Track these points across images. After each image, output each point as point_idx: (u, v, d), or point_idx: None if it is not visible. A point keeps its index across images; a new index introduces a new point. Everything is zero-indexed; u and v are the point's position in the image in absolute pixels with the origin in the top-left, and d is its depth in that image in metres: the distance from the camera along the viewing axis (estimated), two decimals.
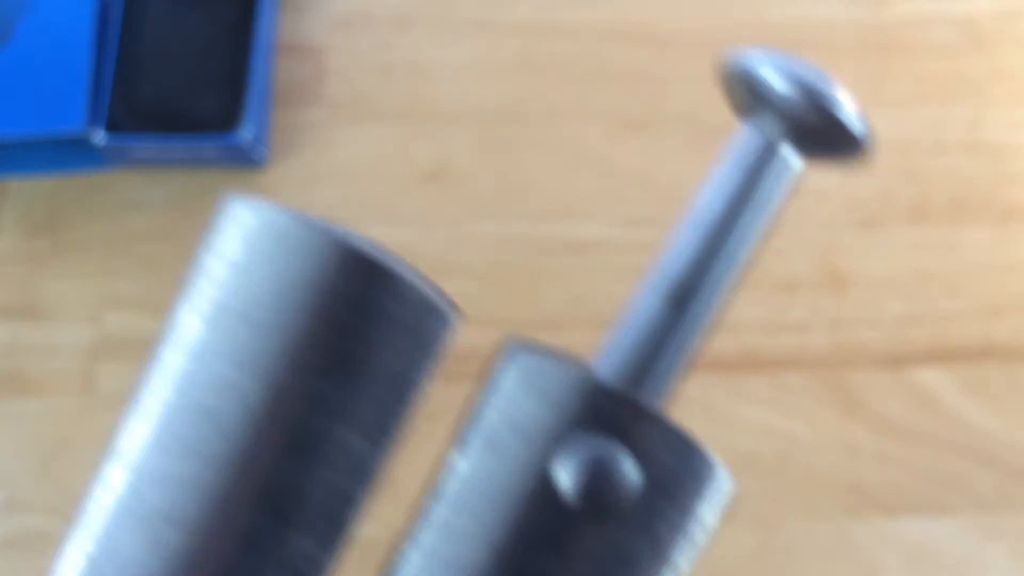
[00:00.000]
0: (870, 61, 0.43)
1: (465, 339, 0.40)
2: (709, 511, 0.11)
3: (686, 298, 0.11)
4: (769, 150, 0.11)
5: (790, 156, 0.11)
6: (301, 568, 0.10)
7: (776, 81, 0.11)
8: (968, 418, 0.38)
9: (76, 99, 0.40)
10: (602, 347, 0.12)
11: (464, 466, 0.11)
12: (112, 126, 0.40)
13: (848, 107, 0.11)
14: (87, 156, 0.42)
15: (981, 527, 0.37)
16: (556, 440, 0.10)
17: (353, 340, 0.11)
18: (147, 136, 0.40)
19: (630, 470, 0.10)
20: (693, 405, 0.39)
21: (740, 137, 0.11)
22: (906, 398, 0.39)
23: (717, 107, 0.44)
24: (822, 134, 0.11)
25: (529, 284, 0.40)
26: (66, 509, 0.38)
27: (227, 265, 0.11)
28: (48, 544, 0.37)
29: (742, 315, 0.40)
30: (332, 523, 0.10)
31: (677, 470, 0.10)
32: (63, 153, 0.42)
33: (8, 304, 0.40)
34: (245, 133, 0.40)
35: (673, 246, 0.11)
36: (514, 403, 0.11)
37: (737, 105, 0.12)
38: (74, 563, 0.12)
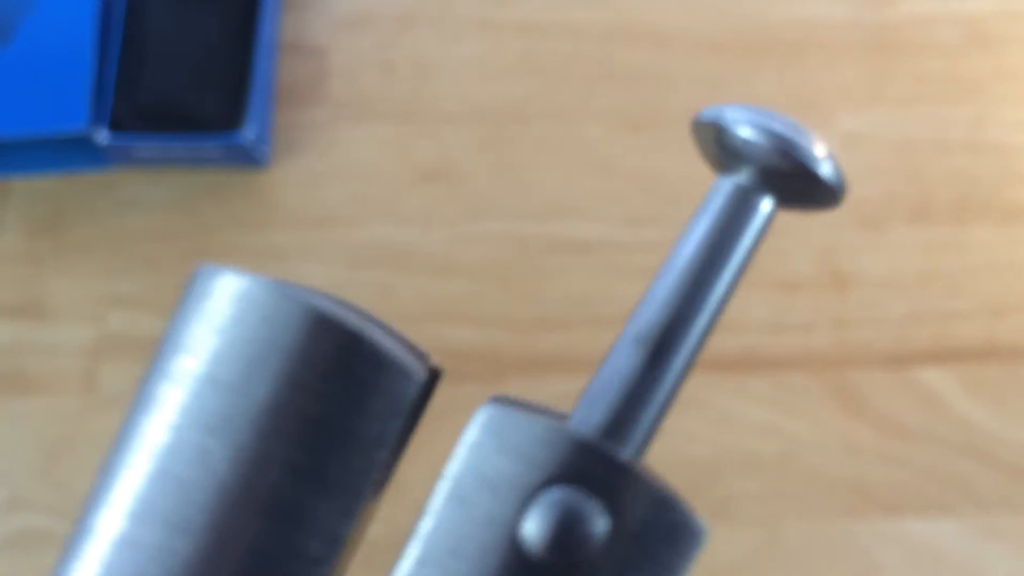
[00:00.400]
0: (872, 61, 0.43)
1: (466, 339, 0.40)
2: (680, 562, 0.11)
3: (661, 348, 0.11)
4: (744, 201, 0.12)
5: (764, 206, 0.12)
6: None
7: (750, 135, 0.11)
8: (971, 418, 0.38)
9: (78, 98, 0.40)
10: (579, 399, 0.12)
11: (430, 521, 0.11)
12: (115, 125, 0.40)
13: (821, 158, 0.11)
14: (89, 155, 0.42)
15: (983, 527, 0.37)
16: (525, 494, 0.11)
17: (321, 403, 0.11)
18: (150, 136, 0.40)
19: (599, 521, 0.11)
20: (695, 405, 0.39)
21: (715, 190, 0.12)
22: (908, 398, 0.39)
23: None
24: (796, 184, 0.11)
25: (530, 283, 0.40)
26: (68, 508, 0.38)
27: (200, 331, 0.11)
28: (50, 543, 0.37)
29: (744, 315, 0.40)
30: None
31: (648, 520, 0.11)
32: (65, 152, 0.42)
33: (10, 303, 0.40)
34: (248, 133, 0.40)
35: (649, 297, 0.12)
36: (483, 457, 0.11)
37: (712, 160, 0.12)
38: None
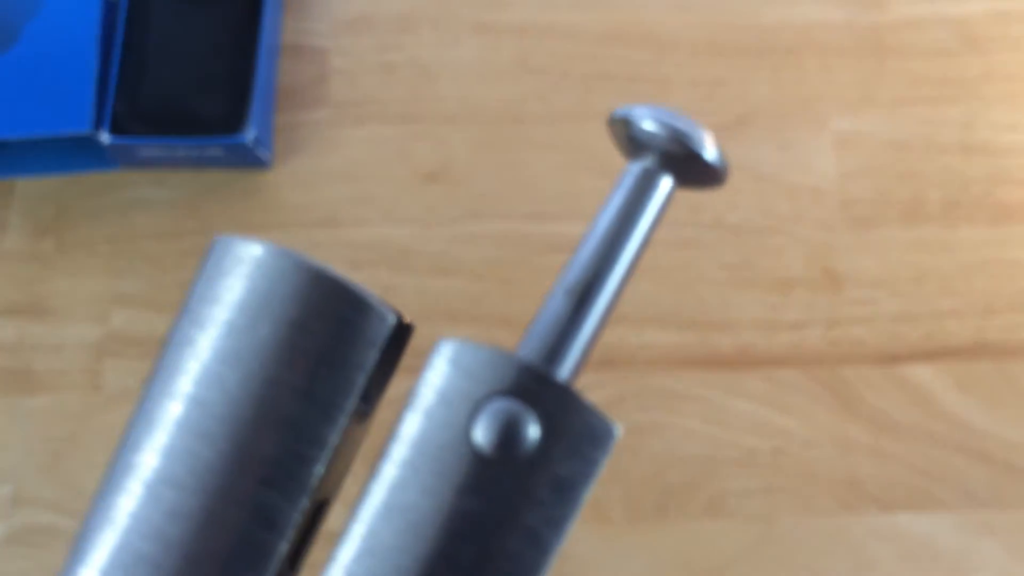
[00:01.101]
0: (865, 62, 0.44)
1: (465, 336, 0.40)
2: (598, 455, 0.14)
3: (585, 295, 0.15)
4: (648, 180, 0.15)
5: (664, 183, 0.15)
6: (271, 516, 0.14)
7: (652, 127, 0.14)
8: (962, 414, 0.39)
9: (82, 100, 0.40)
10: (521, 338, 0.15)
11: (402, 430, 0.14)
12: (118, 127, 0.40)
13: (708, 144, 0.15)
14: (93, 157, 0.42)
15: (974, 522, 0.38)
16: (474, 404, 0.14)
17: (312, 337, 0.14)
18: (152, 137, 0.41)
19: (533, 425, 0.14)
20: (691, 403, 0.39)
21: (626, 172, 0.15)
22: (900, 395, 0.39)
23: (714, 108, 0.44)
24: (689, 166, 0.15)
25: (528, 283, 0.41)
26: (72, 505, 0.38)
27: (217, 285, 0.14)
28: (54, 539, 0.38)
29: (738, 314, 0.40)
30: (296, 482, 0.14)
31: (572, 424, 0.14)
32: (69, 154, 0.42)
33: (15, 302, 0.41)
34: (249, 134, 0.40)
35: (576, 255, 0.15)
36: (440, 377, 0.14)
37: (624, 148, 0.15)
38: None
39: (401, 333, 0.15)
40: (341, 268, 0.41)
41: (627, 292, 0.41)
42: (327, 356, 0.14)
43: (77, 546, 0.16)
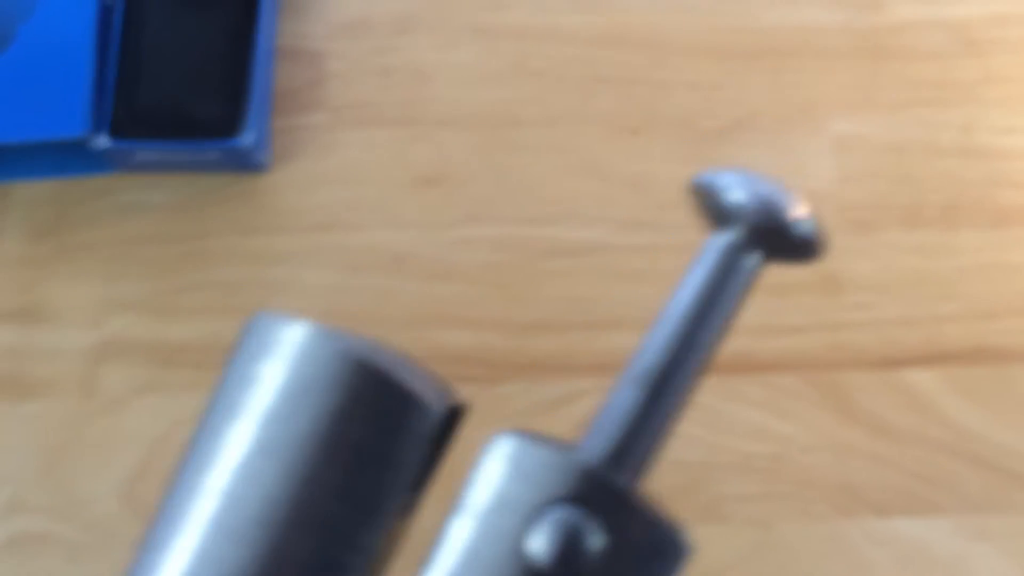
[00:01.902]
0: (863, 66, 0.44)
1: (463, 342, 0.40)
2: (667, 572, 0.12)
3: (657, 387, 0.13)
4: (734, 257, 0.13)
5: (752, 261, 0.13)
6: None
7: (740, 197, 0.12)
8: (960, 419, 0.39)
9: (78, 104, 0.40)
10: (584, 432, 0.13)
11: (447, 535, 0.13)
12: (114, 131, 0.40)
13: (803, 220, 0.13)
14: (90, 160, 0.42)
15: (972, 527, 0.38)
16: (531, 512, 0.12)
17: (355, 432, 0.13)
18: (149, 141, 0.40)
19: (597, 538, 0.12)
20: (689, 407, 0.39)
21: (709, 246, 0.13)
22: (898, 400, 0.39)
23: (712, 112, 0.44)
24: (781, 242, 0.13)
25: (526, 287, 0.41)
26: (67, 511, 0.38)
27: (254, 369, 0.13)
28: (48, 546, 0.38)
29: (737, 318, 0.40)
30: None
31: (640, 538, 0.12)
32: (66, 157, 0.42)
33: (11, 307, 0.41)
34: (246, 137, 0.40)
35: (648, 340, 0.13)
36: (495, 479, 0.12)
37: (706, 218, 0.14)
38: None
39: (452, 419, 0.14)
40: (338, 272, 0.41)
41: (625, 296, 0.41)
42: (370, 452, 0.13)
43: None
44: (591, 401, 0.39)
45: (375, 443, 0.13)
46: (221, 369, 0.39)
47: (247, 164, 0.42)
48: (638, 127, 0.43)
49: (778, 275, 0.41)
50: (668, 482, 0.39)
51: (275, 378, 0.13)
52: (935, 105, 0.43)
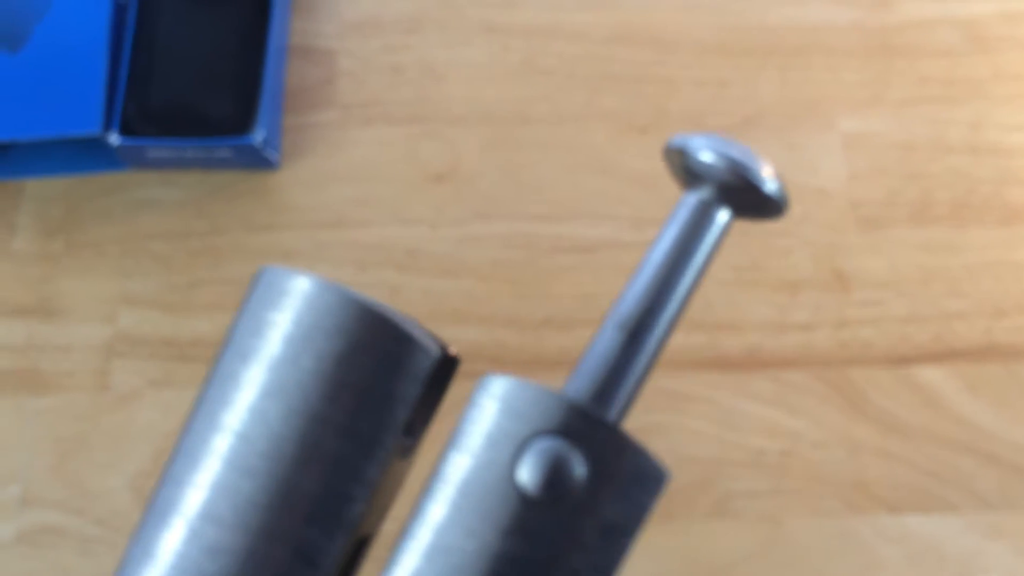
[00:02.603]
0: (872, 63, 0.44)
1: (472, 338, 0.40)
2: (647, 499, 0.13)
3: (637, 331, 0.14)
4: (705, 213, 0.14)
5: (721, 216, 0.14)
6: (311, 554, 0.13)
7: (710, 158, 0.14)
8: (971, 416, 0.39)
9: (92, 102, 0.40)
10: (570, 374, 0.14)
11: (446, 469, 0.14)
12: (127, 128, 0.41)
13: (768, 177, 0.14)
14: (102, 158, 0.42)
15: (983, 524, 0.38)
16: (518, 444, 0.13)
17: (355, 372, 0.14)
18: (161, 138, 0.41)
19: (580, 466, 0.13)
20: (699, 404, 0.39)
21: (682, 203, 0.14)
22: (909, 396, 0.39)
23: (721, 109, 0.44)
24: (748, 198, 0.14)
25: (535, 284, 0.41)
26: (80, 505, 0.38)
27: (260, 317, 0.14)
28: (62, 539, 0.38)
29: (747, 315, 0.40)
30: (338, 520, 0.13)
31: (620, 466, 0.13)
32: (78, 154, 0.42)
33: (24, 303, 0.41)
34: (258, 135, 0.40)
35: (628, 288, 0.14)
36: (484, 415, 0.14)
37: (679, 178, 0.15)
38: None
39: (446, 366, 0.15)
40: (348, 269, 0.41)
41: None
42: (370, 391, 0.14)
43: None
44: None
45: (375, 383, 0.14)
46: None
47: (258, 161, 0.42)
48: (647, 125, 0.43)
49: (788, 272, 0.41)
50: (679, 478, 0.39)
51: (280, 325, 0.14)
52: (944, 102, 0.43)
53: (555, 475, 0.13)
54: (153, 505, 0.14)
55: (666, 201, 0.42)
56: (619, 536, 0.13)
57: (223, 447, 0.14)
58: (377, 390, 0.14)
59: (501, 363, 0.40)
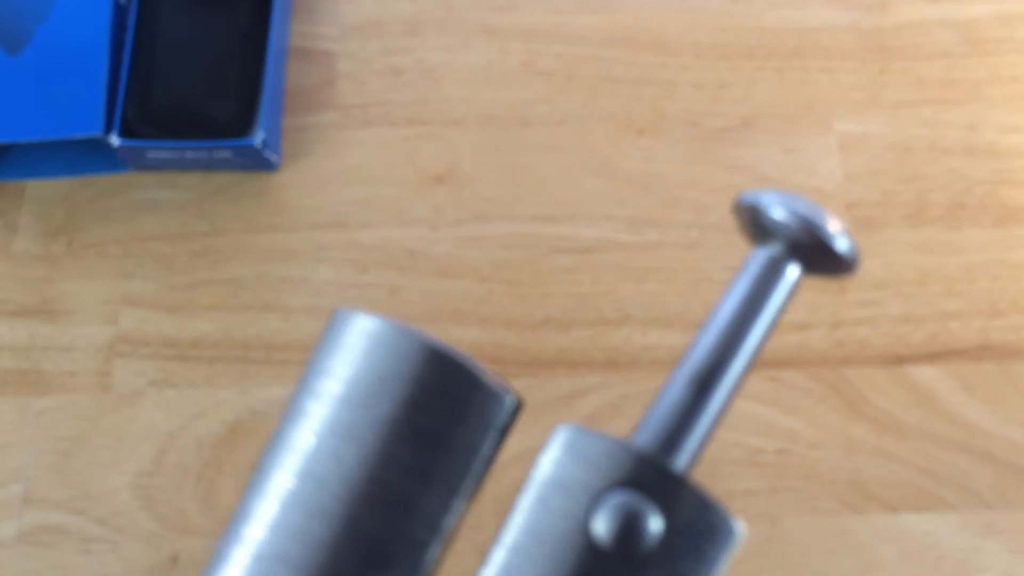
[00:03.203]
0: (869, 65, 0.44)
1: (472, 338, 0.40)
2: (719, 555, 0.13)
3: (707, 382, 0.14)
4: (775, 268, 0.15)
5: (792, 272, 0.15)
6: None
7: (781, 215, 0.14)
8: (966, 416, 0.39)
9: (92, 103, 0.40)
10: (639, 425, 0.15)
11: (518, 518, 0.14)
12: (127, 130, 0.41)
13: (838, 234, 0.14)
14: (103, 159, 0.42)
15: (979, 522, 0.38)
16: (593, 495, 0.13)
17: (430, 418, 0.14)
18: (162, 140, 0.41)
19: (655, 520, 0.13)
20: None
21: (752, 258, 0.15)
22: (905, 396, 0.39)
23: (720, 111, 0.44)
24: (818, 256, 0.14)
25: (534, 284, 0.41)
26: (82, 505, 0.38)
27: (337, 360, 0.15)
28: (64, 538, 0.38)
29: None
30: (406, 565, 0.14)
31: (694, 520, 0.13)
32: (79, 156, 0.42)
33: (25, 304, 0.41)
34: (258, 136, 0.41)
35: (698, 341, 0.15)
36: (559, 467, 0.14)
37: (750, 233, 0.15)
38: None
39: (516, 413, 0.15)
40: (348, 270, 0.42)
41: (632, 293, 0.41)
42: (444, 437, 0.14)
43: None
44: (599, 396, 0.39)
45: (450, 428, 0.14)
46: (238, 364, 0.40)
47: (258, 163, 0.42)
48: (645, 126, 0.43)
49: None
50: None
51: (354, 368, 0.14)
52: (940, 104, 0.43)
53: (630, 528, 0.13)
54: (224, 541, 0.14)
55: (665, 202, 0.42)
56: None
57: (293, 487, 0.14)
58: (452, 436, 0.14)
59: (501, 363, 0.40)
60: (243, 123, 0.41)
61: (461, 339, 0.40)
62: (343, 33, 0.44)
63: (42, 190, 0.43)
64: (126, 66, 0.41)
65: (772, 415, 0.39)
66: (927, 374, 0.39)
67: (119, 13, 0.42)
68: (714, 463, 0.39)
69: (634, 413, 0.39)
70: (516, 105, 0.43)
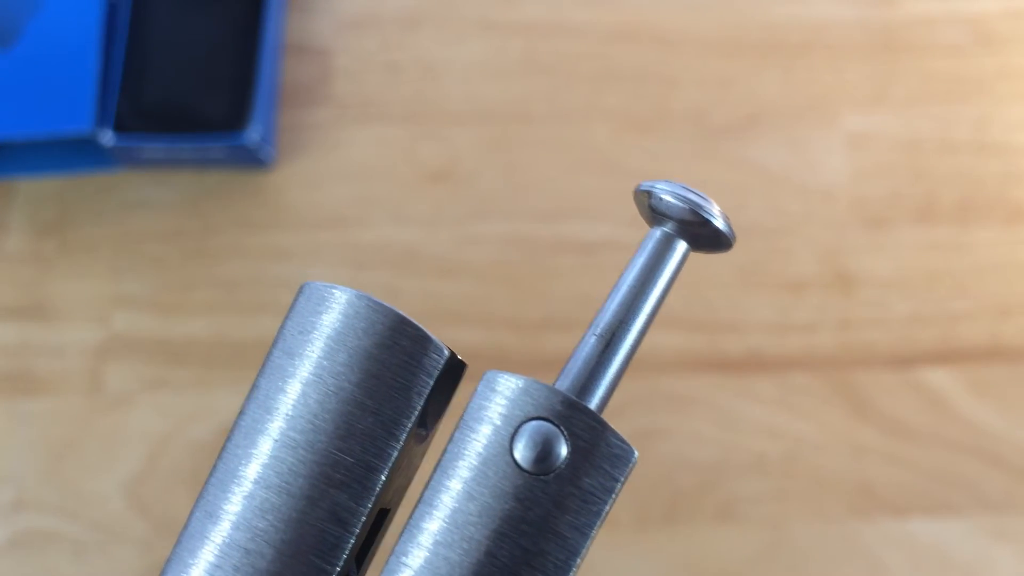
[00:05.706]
0: (877, 61, 0.43)
1: (471, 339, 0.40)
2: (618, 473, 0.17)
3: (612, 340, 0.18)
4: (667, 245, 0.18)
5: (681, 247, 0.19)
6: (342, 516, 0.17)
7: (671, 199, 0.18)
8: (976, 418, 0.38)
9: (84, 100, 0.40)
10: (558, 375, 0.18)
11: (450, 446, 0.17)
12: (120, 127, 0.40)
13: (719, 218, 0.18)
14: (95, 157, 0.42)
15: (989, 527, 0.37)
16: (514, 425, 0.17)
17: (378, 365, 0.17)
18: (155, 137, 0.40)
19: (564, 445, 0.17)
20: (701, 406, 0.39)
21: (648, 236, 0.19)
22: (914, 398, 0.39)
23: (724, 108, 0.44)
24: (703, 235, 0.18)
25: (535, 283, 0.40)
26: (73, 508, 0.38)
27: (297, 324, 0.18)
28: (55, 543, 0.37)
29: (749, 316, 0.40)
30: (364, 487, 0.17)
31: (596, 446, 0.17)
32: (71, 154, 0.42)
33: (16, 304, 0.41)
34: (252, 134, 0.40)
35: (604, 306, 0.18)
36: (485, 404, 0.17)
37: (647, 216, 0.19)
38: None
39: (454, 368, 0.18)
40: (345, 270, 0.41)
41: None
42: (392, 381, 0.17)
43: (183, 540, 0.18)
44: None
45: (397, 374, 0.17)
46: (232, 366, 0.39)
47: (253, 160, 0.41)
48: (648, 123, 0.43)
49: (790, 273, 0.40)
50: (681, 481, 0.38)
51: (321, 327, 0.18)
52: (949, 101, 0.43)
53: (545, 451, 0.17)
54: (214, 475, 0.18)
55: None
56: (595, 503, 0.17)
57: (273, 426, 0.17)
58: (398, 381, 0.17)
59: (501, 363, 0.39)
60: (237, 120, 0.40)
61: (460, 339, 0.39)
62: (339, 28, 0.44)
63: (33, 189, 0.42)
64: (118, 62, 0.41)
65: (778, 418, 0.39)
66: (936, 376, 0.39)
67: (111, 9, 0.42)
68: (719, 467, 0.38)
69: (634, 413, 0.39)
70: (516, 102, 0.43)
